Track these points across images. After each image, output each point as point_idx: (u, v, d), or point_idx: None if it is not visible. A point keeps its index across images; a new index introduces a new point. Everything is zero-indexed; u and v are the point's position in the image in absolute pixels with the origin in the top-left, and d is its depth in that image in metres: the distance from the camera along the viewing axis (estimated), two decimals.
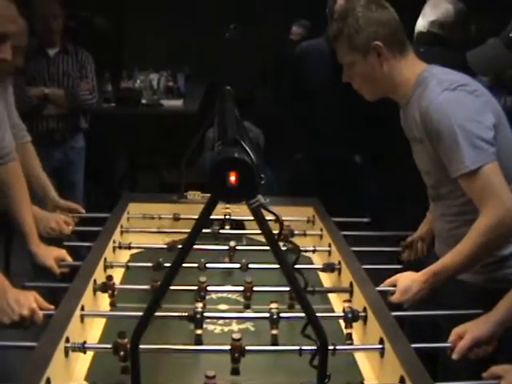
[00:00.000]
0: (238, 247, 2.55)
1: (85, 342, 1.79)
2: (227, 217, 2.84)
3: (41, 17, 4.13)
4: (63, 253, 2.44)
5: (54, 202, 2.90)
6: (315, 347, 1.48)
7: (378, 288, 2.17)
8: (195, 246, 2.40)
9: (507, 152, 2.14)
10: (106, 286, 2.15)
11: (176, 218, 2.92)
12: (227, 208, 2.85)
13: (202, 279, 2.15)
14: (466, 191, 2.09)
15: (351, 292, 2.23)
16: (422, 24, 3.54)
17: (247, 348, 1.68)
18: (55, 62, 4.25)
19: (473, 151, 2.01)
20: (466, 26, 3.70)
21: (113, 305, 2.16)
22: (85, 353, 1.79)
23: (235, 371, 1.68)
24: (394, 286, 2.16)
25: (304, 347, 1.66)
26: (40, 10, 4.14)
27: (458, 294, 2.21)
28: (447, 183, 2.17)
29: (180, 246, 2.37)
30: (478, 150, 2.01)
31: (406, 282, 2.14)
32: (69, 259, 2.43)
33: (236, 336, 1.68)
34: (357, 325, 2.01)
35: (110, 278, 2.18)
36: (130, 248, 2.63)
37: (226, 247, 2.55)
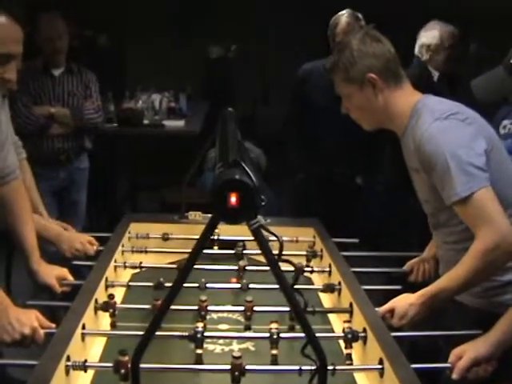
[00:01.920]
0: (247, 267, 2.57)
1: (86, 361, 1.79)
2: (216, 237, 2.84)
3: (46, 37, 4.16)
4: (65, 271, 2.45)
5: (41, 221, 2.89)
6: (315, 367, 1.49)
7: (377, 309, 2.18)
8: (203, 266, 2.45)
9: (503, 177, 2.16)
10: (108, 305, 2.16)
11: (176, 238, 2.93)
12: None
13: (203, 298, 2.16)
14: (461, 218, 2.11)
15: (351, 312, 2.24)
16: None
17: (247, 367, 1.69)
18: (60, 82, 4.28)
19: (464, 178, 2.03)
20: (453, 48, 4.01)
21: (113, 325, 2.17)
22: (86, 371, 1.80)
23: None
24: (392, 310, 2.18)
25: (304, 367, 1.67)
26: (46, 30, 4.17)
27: (460, 317, 2.22)
28: (445, 211, 2.20)
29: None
30: (469, 177, 2.03)
31: (403, 307, 2.15)
32: (70, 278, 2.44)
33: (236, 354, 1.69)
34: (356, 345, 2.01)
35: (111, 296, 2.19)
36: (130, 267, 2.64)
37: (235, 267, 2.57)
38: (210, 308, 2.17)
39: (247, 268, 2.57)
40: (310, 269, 2.67)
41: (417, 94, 2.29)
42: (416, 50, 4.14)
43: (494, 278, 2.19)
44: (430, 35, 4.06)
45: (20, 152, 2.87)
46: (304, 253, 2.80)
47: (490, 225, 2.01)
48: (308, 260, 2.75)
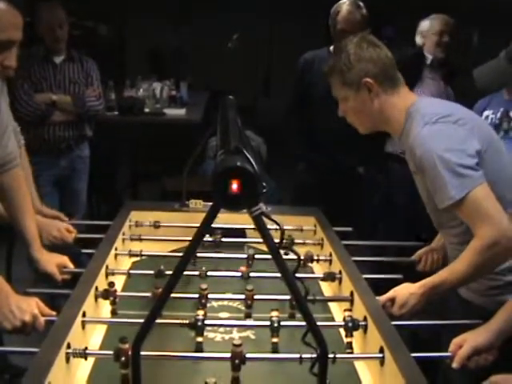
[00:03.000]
0: (256, 256, 2.57)
1: (86, 348, 1.79)
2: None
3: (47, 25, 4.16)
4: (65, 259, 2.45)
5: (35, 207, 2.89)
6: (315, 355, 1.49)
7: (378, 297, 2.18)
8: (214, 255, 2.45)
9: (501, 176, 2.17)
10: (108, 293, 2.16)
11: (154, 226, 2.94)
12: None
13: (203, 286, 2.16)
14: (461, 218, 2.12)
15: (352, 301, 2.24)
16: None
17: (248, 356, 1.69)
18: (61, 70, 4.28)
19: (456, 180, 2.04)
20: (442, 34, 4.40)
21: (114, 313, 2.17)
22: (86, 359, 1.80)
23: (236, 380, 1.69)
24: (393, 299, 2.18)
25: (304, 355, 1.67)
26: (46, 18, 4.17)
27: (464, 315, 2.22)
28: (444, 213, 2.19)
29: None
30: (461, 178, 2.04)
31: (404, 295, 2.16)
32: (71, 266, 2.44)
33: (237, 342, 1.69)
34: (357, 334, 2.02)
35: (111, 284, 2.19)
36: (131, 255, 2.64)
37: (245, 255, 2.57)
38: (210, 296, 2.17)
39: (243, 257, 2.58)
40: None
41: (412, 97, 2.30)
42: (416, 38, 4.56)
43: (497, 277, 2.20)
44: (423, 23, 4.53)
45: (19, 139, 2.86)
46: (306, 241, 2.80)
47: (488, 221, 2.02)
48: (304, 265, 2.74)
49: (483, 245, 2.02)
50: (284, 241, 2.60)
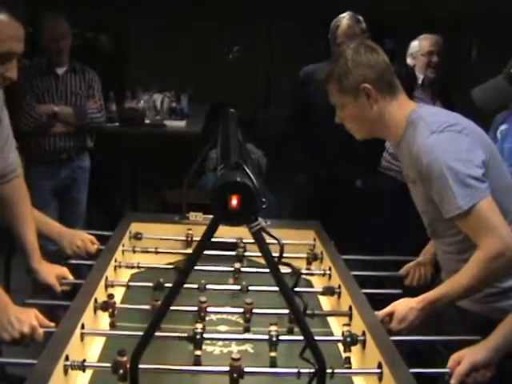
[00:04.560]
0: (242, 269, 2.57)
1: (84, 361, 1.79)
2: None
3: (51, 37, 4.19)
4: (65, 270, 2.45)
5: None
6: (313, 370, 1.49)
7: (377, 312, 2.18)
8: (200, 267, 2.44)
9: (501, 184, 2.17)
10: (107, 305, 2.16)
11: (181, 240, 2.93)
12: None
13: (202, 299, 2.16)
14: (462, 229, 2.12)
15: (350, 316, 2.23)
16: None
17: (246, 369, 1.69)
18: (63, 81, 4.30)
19: (464, 191, 2.04)
20: (431, 54, 4.55)
21: (112, 325, 2.17)
22: (84, 371, 1.79)
23: None
24: (391, 314, 2.18)
25: (302, 370, 1.67)
26: (50, 29, 4.19)
27: (460, 322, 2.22)
28: (442, 222, 2.19)
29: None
30: (469, 189, 2.04)
31: (403, 310, 2.15)
32: (70, 277, 2.44)
33: (235, 356, 1.69)
34: (355, 349, 2.01)
35: (111, 296, 2.19)
36: (130, 267, 2.64)
37: (231, 268, 2.56)
38: (209, 309, 2.17)
39: (243, 270, 2.58)
40: (309, 271, 2.68)
41: (411, 104, 2.30)
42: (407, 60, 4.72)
43: (494, 284, 2.19)
44: (413, 44, 4.66)
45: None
46: (304, 255, 2.80)
47: (493, 234, 2.02)
48: (308, 263, 2.75)
49: (488, 257, 2.02)
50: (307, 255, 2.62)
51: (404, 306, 2.16)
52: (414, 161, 2.17)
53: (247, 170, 1.30)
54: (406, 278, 2.64)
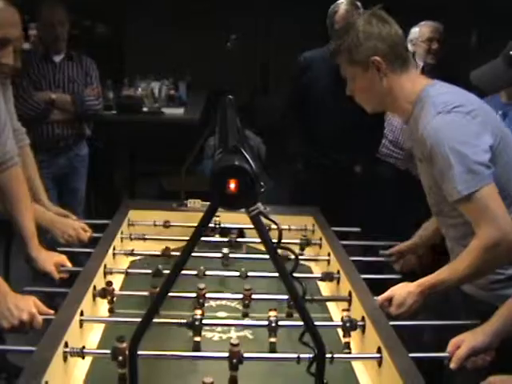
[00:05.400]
0: (231, 255, 2.56)
1: (83, 347, 1.79)
2: (217, 225, 2.85)
3: (48, 24, 4.17)
4: (63, 258, 2.44)
5: (44, 208, 2.89)
6: (313, 355, 1.48)
7: (376, 297, 2.18)
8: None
9: (509, 170, 2.12)
10: (106, 292, 2.16)
11: (175, 226, 2.93)
12: (217, 216, 2.86)
13: (201, 286, 2.16)
14: (463, 213, 2.09)
15: (350, 301, 2.24)
16: None
17: (245, 355, 1.68)
18: (61, 69, 4.28)
19: (466, 176, 1.99)
20: (431, 41, 4.55)
21: (111, 311, 2.17)
22: (83, 358, 1.80)
23: (233, 380, 1.69)
24: (390, 298, 2.17)
25: (302, 355, 1.67)
26: (47, 17, 4.18)
27: (465, 309, 2.21)
28: (448, 203, 2.14)
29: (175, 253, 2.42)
30: (472, 175, 1.99)
31: (401, 295, 2.14)
32: (69, 265, 2.43)
33: (234, 341, 1.69)
34: (355, 334, 2.02)
35: (109, 283, 2.19)
36: (129, 254, 2.64)
37: (220, 254, 2.56)
38: (208, 296, 2.17)
39: (231, 256, 2.57)
40: (311, 257, 2.68)
41: (422, 80, 2.23)
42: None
43: (499, 271, 2.17)
44: (413, 31, 4.64)
45: (23, 138, 2.87)
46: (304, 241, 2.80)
47: (492, 222, 1.98)
48: (301, 249, 2.75)
49: (483, 245, 1.99)
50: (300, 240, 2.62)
51: (402, 291, 2.15)
52: (420, 140, 2.12)
53: (245, 154, 1.29)
54: (395, 263, 2.61)
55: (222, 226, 2.84)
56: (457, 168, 2.00)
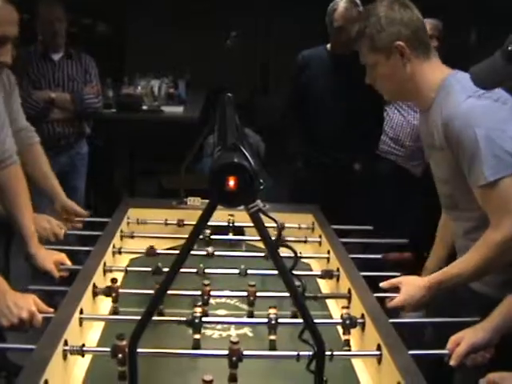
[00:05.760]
0: (216, 252, 2.56)
1: (83, 345, 1.79)
2: (231, 224, 2.85)
3: (45, 20, 4.17)
4: (63, 256, 2.44)
5: (61, 202, 2.90)
6: (312, 352, 1.48)
7: (378, 295, 2.18)
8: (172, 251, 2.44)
9: None
10: (111, 290, 2.15)
11: (179, 224, 2.93)
12: (231, 215, 2.87)
13: (206, 282, 2.15)
14: (480, 203, 2.03)
15: (349, 298, 2.24)
16: None
17: (245, 353, 1.68)
18: (60, 67, 4.28)
19: (493, 161, 1.94)
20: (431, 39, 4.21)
21: (116, 312, 2.15)
22: (83, 356, 1.79)
23: (233, 378, 1.68)
24: (397, 287, 2.16)
25: (302, 352, 1.67)
26: (44, 13, 4.18)
27: (478, 310, 2.19)
28: (466, 194, 2.10)
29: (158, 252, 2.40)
30: (498, 161, 1.94)
31: (410, 287, 2.13)
32: (68, 263, 2.43)
33: (234, 339, 1.69)
34: (355, 331, 2.02)
35: (114, 280, 2.18)
36: (128, 253, 2.64)
37: (204, 252, 2.55)
38: (212, 293, 2.16)
39: (216, 254, 2.56)
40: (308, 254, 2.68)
41: (446, 68, 2.19)
42: None
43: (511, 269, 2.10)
44: None
45: (32, 136, 2.90)
46: (303, 239, 2.80)
47: None
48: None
49: (501, 239, 1.94)
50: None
51: (411, 283, 2.14)
52: (444, 125, 2.06)
53: (244, 152, 1.29)
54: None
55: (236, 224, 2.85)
56: (484, 153, 1.95)
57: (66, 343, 1.76)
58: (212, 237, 2.73)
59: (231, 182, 1.25)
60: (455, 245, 2.38)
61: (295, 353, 1.69)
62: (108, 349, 1.70)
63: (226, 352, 1.68)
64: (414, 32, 2.14)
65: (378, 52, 2.16)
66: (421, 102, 2.23)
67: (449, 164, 2.14)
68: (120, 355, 1.66)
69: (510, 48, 1.53)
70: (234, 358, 1.67)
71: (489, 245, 1.98)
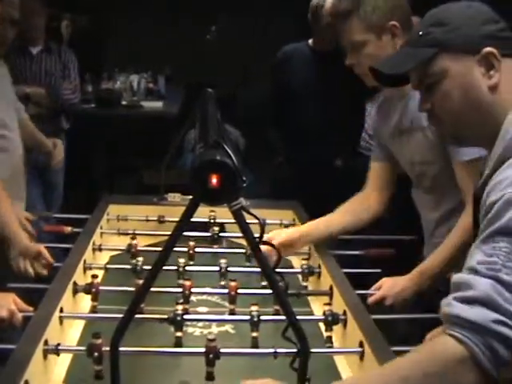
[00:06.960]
0: (196, 249, 2.54)
1: (58, 344, 1.76)
2: (212, 220, 2.84)
3: (23, 13, 4.11)
4: (41, 249, 2.41)
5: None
6: (292, 350, 1.48)
7: (360, 292, 2.18)
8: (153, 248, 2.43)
9: None
10: (91, 287, 2.12)
11: (159, 221, 2.91)
12: (212, 211, 2.85)
13: (187, 282, 2.14)
14: (459, 180, 2.01)
15: (331, 295, 2.23)
16: None
17: (222, 350, 1.67)
18: (38, 61, 4.24)
19: None
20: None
21: (94, 311, 2.12)
22: (58, 355, 1.77)
23: (210, 376, 1.67)
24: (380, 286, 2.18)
25: (279, 350, 1.67)
26: (22, 7, 4.12)
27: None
28: (449, 175, 2.08)
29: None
30: None
31: (389, 281, 2.16)
32: (48, 256, 2.40)
33: (211, 337, 1.68)
34: (337, 328, 2.01)
35: (94, 276, 2.15)
36: (108, 250, 2.62)
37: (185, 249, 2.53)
38: (193, 290, 2.15)
39: (197, 250, 2.54)
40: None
41: None
42: None
43: None
44: None
45: (23, 113, 3.16)
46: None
47: None
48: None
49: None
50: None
51: (391, 278, 2.17)
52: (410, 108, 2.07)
53: (227, 149, 1.28)
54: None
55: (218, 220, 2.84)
56: None
57: (46, 343, 1.73)
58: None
59: (214, 180, 1.24)
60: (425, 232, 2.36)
61: (273, 350, 1.69)
62: (84, 348, 1.68)
63: (203, 350, 1.67)
64: (405, 14, 2.14)
65: (370, 31, 2.13)
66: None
67: (430, 143, 2.12)
68: (96, 354, 1.64)
69: (420, 33, 1.53)
70: (211, 356, 1.66)
71: (465, 227, 1.93)
